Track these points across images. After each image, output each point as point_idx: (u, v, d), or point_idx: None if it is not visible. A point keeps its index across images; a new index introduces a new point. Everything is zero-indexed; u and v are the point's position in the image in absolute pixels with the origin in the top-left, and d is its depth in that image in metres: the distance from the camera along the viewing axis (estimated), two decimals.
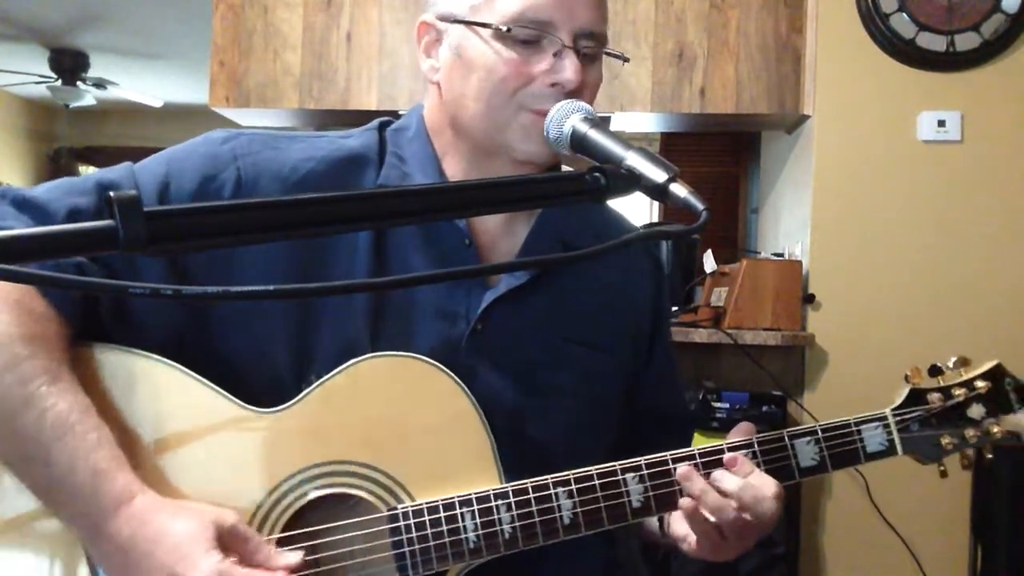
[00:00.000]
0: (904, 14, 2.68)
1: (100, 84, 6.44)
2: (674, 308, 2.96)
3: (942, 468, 1.12)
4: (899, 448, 1.11)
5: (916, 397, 1.13)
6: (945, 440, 1.11)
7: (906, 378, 1.14)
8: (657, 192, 0.82)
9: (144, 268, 1.00)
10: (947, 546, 2.60)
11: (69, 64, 6.26)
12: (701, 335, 2.65)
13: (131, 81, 6.58)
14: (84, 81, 6.38)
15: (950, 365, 1.14)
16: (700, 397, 2.57)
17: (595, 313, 1.17)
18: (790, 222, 3.10)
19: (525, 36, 1.03)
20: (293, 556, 0.96)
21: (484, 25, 1.04)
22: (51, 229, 0.58)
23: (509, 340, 1.10)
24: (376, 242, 1.07)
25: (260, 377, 1.03)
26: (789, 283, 2.71)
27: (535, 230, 1.14)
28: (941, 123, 2.69)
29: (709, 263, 3.01)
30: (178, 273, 1.02)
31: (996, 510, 2.44)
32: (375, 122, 1.16)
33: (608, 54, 1.10)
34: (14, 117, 7.50)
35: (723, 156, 4.22)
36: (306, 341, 1.04)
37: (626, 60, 1.14)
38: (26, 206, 0.99)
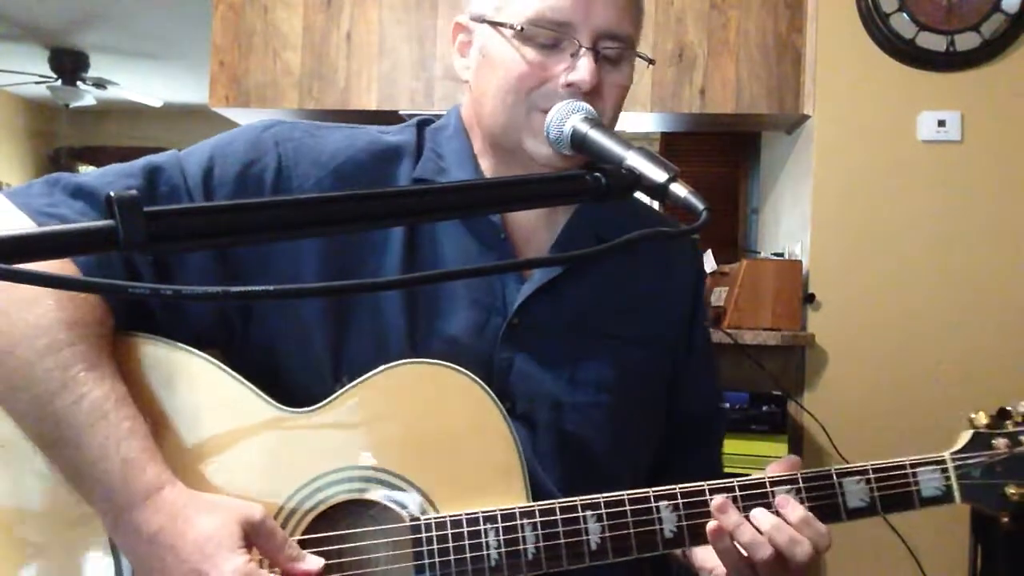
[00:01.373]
0: (904, 14, 2.68)
1: (100, 84, 6.44)
2: None
3: (1005, 519, 1.05)
4: (957, 496, 1.04)
5: (979, 441, 1.05)
6: (1011, 490, 1.03)
7: (970, 421, 1.07)
8: (657, 192, 0.82)
9: (191, 260, 1.02)
10: (947, 546, 2.60)
11: (69, 64, 6.26)
12: None
13: (131, 81, 6.58)
14: (84, 81, 6.39)
15: (1021, 408, 1.06)
16: None
17: (632, 308, 1.17)
18: (790, 222, 3.10)
19: (543, 37, 1.04)
20: (316, 561, 0.95)
21: (505, 25, 1.05)
22: (52, 229, 0.59)
23: (546, 333, 1.10)
24: (409, 234, 1.08)
25: (300, 367, 1.04)
26: (789, 283, 2.71)
27: (571, 224, 1.14)
28: (941, 123, 2.69)
29: (709, 263, 3.01)
30: (226, 266, 1.03)
31: None
32: (414, 120, 1.18)
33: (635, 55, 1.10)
34: (14, 117, 7.50)
35: (723, 156, 4.22)
36: (341, 334, 1.05)
37: (652, 62, 1.14)
38: (80, 193, 1.00)
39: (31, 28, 5.80)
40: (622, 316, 1.16)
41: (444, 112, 1.20)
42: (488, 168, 1.13)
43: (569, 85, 1.03)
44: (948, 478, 1.04)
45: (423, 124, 1.18)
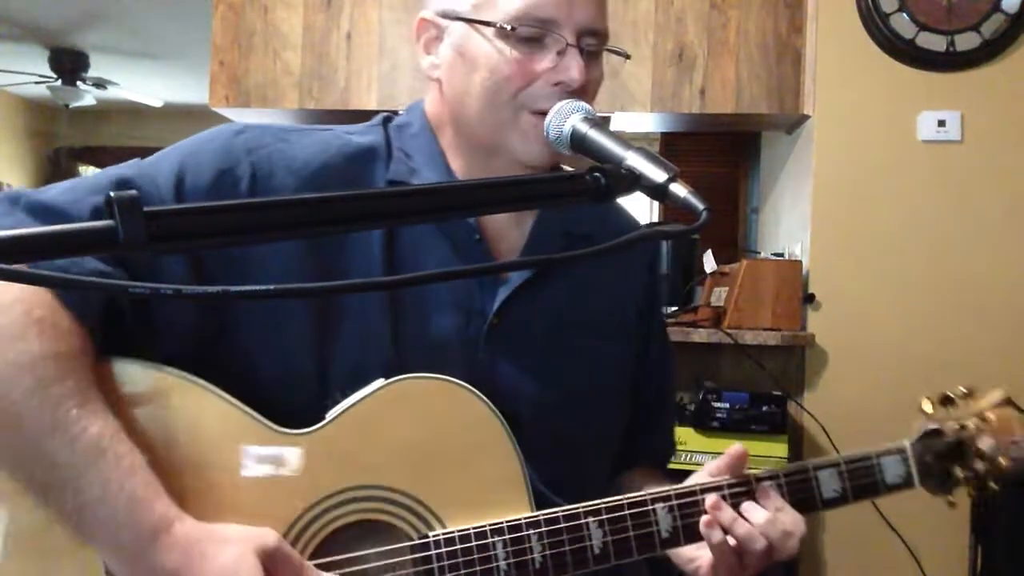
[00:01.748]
0: (904, 14, 2.68)
1: (100, 84, 6.44)
2: (674, 308, 2.96)
3: (951, 500, 1.12)
4: (916, 481, 1.11)
5: (932, 429, 1.13)
6: (957, 472, 1.11)
7: (920, 409, 1.13)
8: (657, 192, 0.82)
9: (165, 269, 0.99)
10: (947, 546, 2.60)
11: (69, 64, 6.26)
12: (701, 335, 2.65)
13: (131, 81, 6.58)
14: (84, 81, 6.39)
15: (960, 394, 1.14)
16: (700, 397, 2.57)
17: (603, 304, 1.18)
18: (790, 222, 3.10)
19: (528, 34, 1.02)
20: None
21: (487, 23, 1.03)
22: (51, 229, 0.58)
23: (526, 333, 1.10)
24: (388, 238, 1.06)
25: (284, 381, 1.02)
26: (789, 283, 2.71)
27: (539, 223, 1.14)
28: (941, 123, 2.69)
29: (709, 263, 3.01)
30: (200, 275, 1.00)
31: (996, 510, 2.44)
32: (378, 117, 1.16)
33: (610, 51, 1.09)
34: (14, 117, 7.50)
35: (723, 156, 4.22)
36: (326, 341, 1.03)
37: (627, 57, 1.13)
38: (42, 212, 0.95)
39: (31, 28, 5.80)
40: (596, 312, 1.17)
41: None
42: (459, 167, 1.11)
43: (557, 84, 1.03)
44: (908, 465, 1.11)
45: (387, 121, 1.15)
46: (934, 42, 2.67)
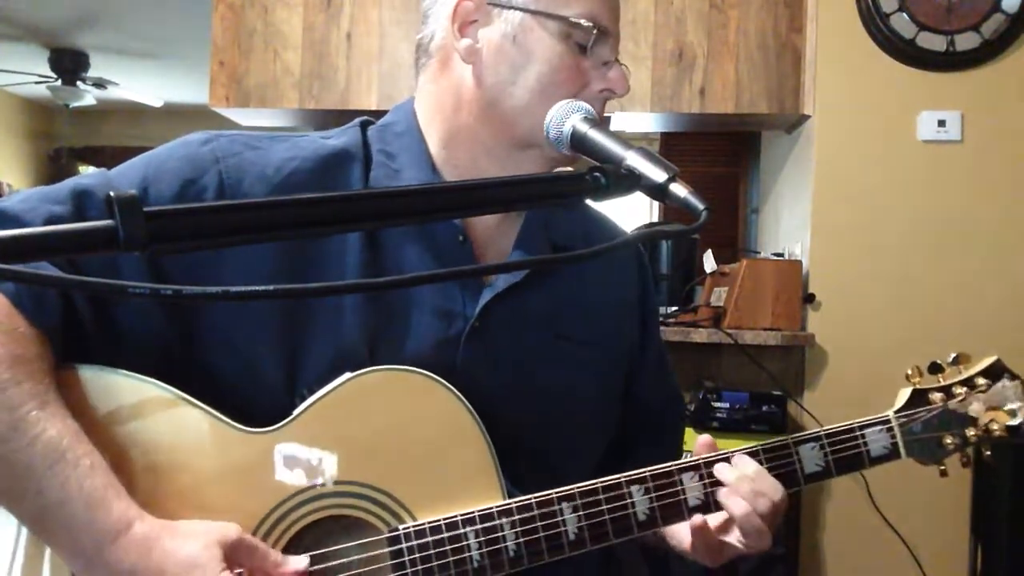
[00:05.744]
0: (904, 14, 2.68)
1: (100, 84, 6.43)
2: (674, 308, 2.96)
3: (942, 468, 1.10)
4: (902, 451, 1.09)
5: (918, 397, 1.11)
6: (947, 440, 1.09)
7: (907, 377, 1.11)
8: (657, 192, 0.82)
9: (121, 273, 0.97)
10: (947, 546, 2.60)
11: (69, 64, 6.26)
12: (701, 335, 2.65)
13: (131, 81, 6.57)
14: (84, 81, 6.38)
15: (949, 361, 1.12)
16: (700, 397, 2.57)
17: (588, 309, 1.17)
18: (790, 222, 3.10)
19: (587, 38, 1.04)
20: (300, 560, 0.94)
21: (555, 18, 1.03)
22: (51, 229, 0.58)
23: (508, 337, 1.09)
24: (369, 239, 1.05)
25: (249, 386, 1.01)
26: (789, 283, 2.71)
27: (526, 227, 1.13)
28: (941, 123, 2.69)
29: (709, 263, 3.01)
30: (159, 279, 0.98)
31: (996, 510, 2.44)
32: (356, 121, 1.15)
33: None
34: (14, 117, 7.50)
35: (723, 156, 4.22)
36: (296, 344, 1.01)
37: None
38: None
39: (31, 28, 5.80)
40: (580, 317, 1.16)
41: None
42: (449, 164, 1.09)
43: (603, 91, 1.05)
44: (894, 436, 1.09)
45: (366, 124, 1.14)
46: (934, 42, 2.67)
